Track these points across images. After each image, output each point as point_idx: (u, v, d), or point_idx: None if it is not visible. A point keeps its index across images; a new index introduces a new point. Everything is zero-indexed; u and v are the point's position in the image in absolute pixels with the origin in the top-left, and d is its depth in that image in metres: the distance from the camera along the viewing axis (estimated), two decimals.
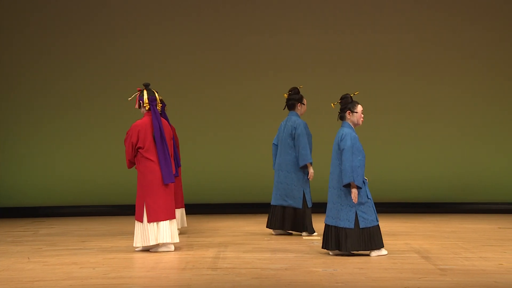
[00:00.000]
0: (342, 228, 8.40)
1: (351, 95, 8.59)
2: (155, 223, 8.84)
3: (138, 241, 8.85)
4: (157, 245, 8.93)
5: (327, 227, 8.54)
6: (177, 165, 10.24)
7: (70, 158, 12.94)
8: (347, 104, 8.54)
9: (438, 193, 12.95)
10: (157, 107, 9.09)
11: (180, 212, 10.39)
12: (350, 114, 8.53)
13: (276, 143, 10.41)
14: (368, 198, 8.43)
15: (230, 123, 13.02)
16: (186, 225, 10.54)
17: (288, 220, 10.12)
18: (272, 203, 10.28)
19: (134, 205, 8.98)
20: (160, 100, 10.13)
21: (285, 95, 10.29)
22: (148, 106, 8.96)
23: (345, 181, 8.30)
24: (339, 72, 12.98)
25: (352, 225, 8.36)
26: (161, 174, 8.86)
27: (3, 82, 12.93)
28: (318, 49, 13.01)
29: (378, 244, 8.46)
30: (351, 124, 8.54)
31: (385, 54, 12.99)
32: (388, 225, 10.96)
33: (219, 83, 13.02)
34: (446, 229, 10.84)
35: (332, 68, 13.00)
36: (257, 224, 11.41)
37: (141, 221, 8.83)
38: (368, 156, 8.86)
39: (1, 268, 8.00)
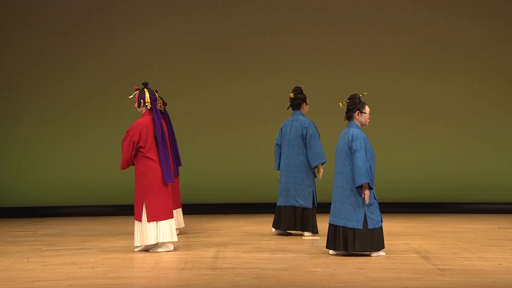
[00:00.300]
0: (350, 228, 8.37)
1: (360, 95, 8.59)
2: (154, 223, 8.84)
3: (138, 241, 8.85)
4: (156, 245, 8.93)
5: (333, 227, 8.49)
6: (178, 164, 10.26)
7: (69, 158, 12.94)
8: (356, 105, 8.53)
9: (438, 193, 12.95)
10: (158, 107, 9.09)
11: (177, 213, 10.38)
12: (359, 114, 8.53)
13: (279, 144, 10.34)
14: (375, 199, 8.44)
15: (230, 123, 13.02)
16: (183, 225, 10.53)
17: (298, 221, 10.08)
18: (281, 203, 10.16)
19: (133, 205, 8.98)
20: (161, 98, 10.15)
21: (292, 94, 10.22)
22: (150, 105, 8.96)
23: (360, 182, 8.27)
24: (339, 72, 12.98)
25: (361, 226, 8.35)
26: (162, 173, 8.87)
27: (3, 82, 12.93)
28: (318, 49, 13.00)
29: (381, 245, 8.47)
30: (358, 124, 8.54)
31: (385, 54, 12.99)
32: (387, 225, 10.94)
33: (219, 83, 13.01)
34: (445, 229, 10.84)
35: (332, 68, 13.00)
36: (257, 224, 11.41)
37: (140, 220, 8.83)
38: None
39: (0, 268, 7.99)
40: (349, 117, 8.59)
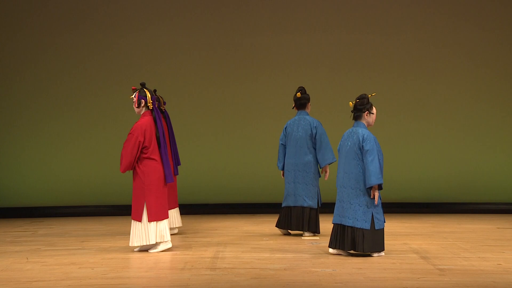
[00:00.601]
0: (359, 228, 8.36)
1: (368, 95, 8.60)
2: (155, 222, 8.84)
3: (137, 241, 8.84)
4: (155, 244, 8.92)
5: (341, 227, 8.45)
6: (178, 163, 10.28)
7: (68, 159, 12.93)
8: (365, 105, 8.53)
9: (437, 193, 12.95)
10: (161, 106, 9.09)
11: (175, 212, 10.39)
12: (368, 115, 8.53)
13: (284, 143, 10.30)
14: (379, 199, 8.45)
15: (230, 123, 13.02)
16: (181, 224, 10.54)
17: (306, 220, 10.06)
18: (289, 203, 10.09)
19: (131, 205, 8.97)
20: (161, 98, 10.15)
21: (299, 94, 10.17)
22: (151, 106, 8.96)
23: (374, 182, 8.26)
24: (339, 72, 12.97)
25: (368, 226, 8.35)
26: (164, 173, 8.90)
27: (1, 82, 12.92)
28: (318, 49, 13.00)
29: (383, 245, 8.48)
30: (365, 124, 8.54)
31: (385, 54, 12.99)
32: (387, 225, 10.87)
33: (219, 83, 13.01)
34: (444, 229, 10.84)
35: (332, 68, 12.99)
36: (256, 224, 11.41)
37: (140, 220, 8.81)
38: None
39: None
40: (358, 116, 8.57)
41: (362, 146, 8.36)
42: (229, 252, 8.85)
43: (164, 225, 8.90)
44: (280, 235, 10.24)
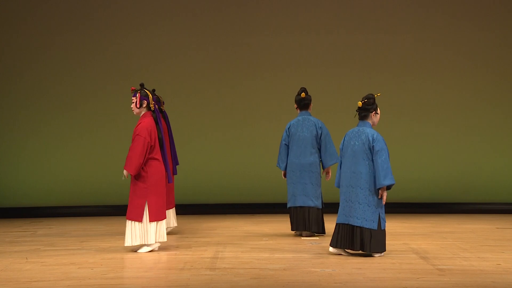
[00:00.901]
0: (367, 229, 8.35)
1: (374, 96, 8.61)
2: (155, 223, 8.85)
3: (136, 241, 8.83)
4: (144, 245, 8.93)
5: (349, 227, 8.41)
6: (176, 163, 10.30)
7: (68, 159, 12.93)
8: (372, 105, 8.53)
9: (436, 193, 12.95)
10: (161, 106, 9.10)
11: (172, 212, 10.40)
12: (375, 115, 8.54)
13: (287, 144, 10.25)
14: None
15: (229, 124, 13.01)
16: (176, 225, 10.55)
17: (314, 221, 10.03)
18: (298, 204, 10.03)
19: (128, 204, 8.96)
20: (160, 97, 10.15)
21: (303, 94, 10.15)
22: (153, 107, 8.96)
23: (388, 183, 8.29)
24: (339, 72, 12.97)
25: (376, 226, 8.35)
26: (166, 173, 8.93)
27: (1, 81, 12.92)
28: (318, 49, 13.00)
29: (385, 245, 8.49)
30: (371, 124, 8.53)
31: (385, 54, 12.99)
32: (386, 225, 10.93)
33: (218, 83, 13.01)
34: (444, 229, 10.84)
35: (332, 68, 12.99)
36: (256, 224, 11.41)
37: (140, 220, 8.80)
38: None
39: None
40: (365, 116, 8.55)
41: (373, 146, 8.35)
42: (228, 252, 8.85)
43: (163, 225, 8.92)
44: (280, 235, 10.23)
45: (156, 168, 8.86)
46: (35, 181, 12.92)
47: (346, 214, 8.45)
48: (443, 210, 12.88)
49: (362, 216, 8.36)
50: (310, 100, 10.22)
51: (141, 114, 8.98)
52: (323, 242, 9.46)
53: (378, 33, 12.98)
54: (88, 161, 12.94)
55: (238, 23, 13.03)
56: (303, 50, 13.02)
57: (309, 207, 9.98)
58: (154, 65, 12.93)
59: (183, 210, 12.17)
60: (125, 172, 8.80)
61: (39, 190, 12.91)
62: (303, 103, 10.18)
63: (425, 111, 12.98)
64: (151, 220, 8.82)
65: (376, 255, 8.44)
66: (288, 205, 10.10)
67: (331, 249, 8.58)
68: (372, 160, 8.37)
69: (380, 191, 8.36)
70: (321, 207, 10.03)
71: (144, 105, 8.95)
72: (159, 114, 8.99)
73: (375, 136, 8.38)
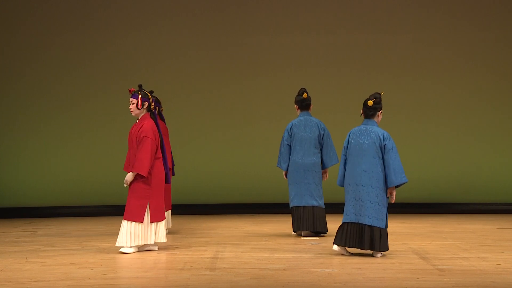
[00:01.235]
0: (377, 227, 8.35)
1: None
2: (155, 223, 8.86)
3: (137, 241, 8.82)
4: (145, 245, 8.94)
5: (358, 226, 8.37)
6: (172, 164, 10.32)
7: (68, 159, 12.94)
8: (380, 103, 8.53)
9: (436, 194, 12.95)
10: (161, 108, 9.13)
11: (168, 213, 10.41)
12: (381, 113, 8.54)
13: (289, 144, 10.21)
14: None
15: (229, 124, 13.02)
16: (171, 226, 10.56)
17: (318, 220, 10.03)
18: (303, 203, 10.01)
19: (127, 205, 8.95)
20: (157, 99, 10.16)
21: (305, 94, 10.14)
22: (153, 108, 8.96)
23: (400, 181, 8.29)
24: (339, 72, 12.98)
25: (384, 225, 8.36)
26: (166, 174, 8.95)
27: (1, 82, 12.92)
28: (317, 49, 13.01)
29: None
30: (377, 122, 8.54)
31: (385, 54, 13.00)
32: None
33: (217, 84, 13.01)
34: (444, 229, 10.84)
35: (332, 68, 13.00)
36: (256, 224, 11.41)
37: (141, 221, 8.79)
38: None
39: None
40: (372, 115, 8.54)
41: (385, 145, 8.34)
42: (228, 252, 8.85)
43: (163, 226, 8.93)
44: (280, 235, 10.23)
45: (158, 169, 8.87)
46: (35, 181, 12.93)
47: (356, 213, 8.40)
48: (443, 210, 12.89)
49: (373, 215, 8.33)
50: (311, 101, 10.22)
51: (141, 115, 8.97)
52: (323, 242, 9.46)
53: (378, 33, 12.98)
54: (88, 161, 12.94)
55: (238, 23, 13.04)
56: (303, 50, 13.02)
57: (313, 207, 9.98)
58: (154, 65, 12.93)
59: (183, 210, 12.18)
60: (127, 177, 8.80)
61: (39, 190, 12.92)
62: (304, 104, 10.17)
63: (425, 111, 12.99)
64: (152, 221, 8.83)
65: (378, 255, 8.43)
66: (291, 205, 10.08)
67: (335, 247, 8.54)
68: (383, 159, 8.36)
69: (389, 189, 8.36)
70: (323, 207, 10.04)
71: (145, 106, 8.94)
72: (156, 115, 9.00)
73: (385, 134, 8.39)
